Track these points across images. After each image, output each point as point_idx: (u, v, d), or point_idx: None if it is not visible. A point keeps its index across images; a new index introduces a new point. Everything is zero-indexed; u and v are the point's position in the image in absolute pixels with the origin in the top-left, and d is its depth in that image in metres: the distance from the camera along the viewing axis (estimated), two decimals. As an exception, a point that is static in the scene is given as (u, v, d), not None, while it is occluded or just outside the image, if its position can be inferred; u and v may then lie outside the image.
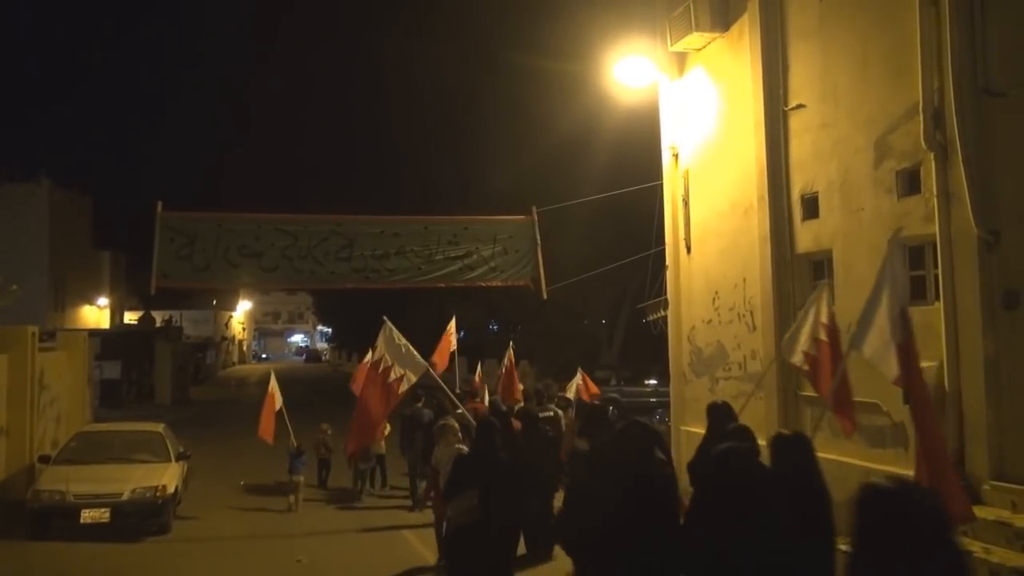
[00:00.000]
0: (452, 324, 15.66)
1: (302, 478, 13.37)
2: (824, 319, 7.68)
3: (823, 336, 7.66)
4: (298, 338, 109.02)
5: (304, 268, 11.52)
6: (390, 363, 9.90)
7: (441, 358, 15.02)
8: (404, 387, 9.96)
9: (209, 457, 16.26)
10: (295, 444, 13.49)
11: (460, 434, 9.08)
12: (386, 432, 13.45)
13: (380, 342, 10.24)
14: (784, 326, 10.85)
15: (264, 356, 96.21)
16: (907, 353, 5.54)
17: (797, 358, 8.18)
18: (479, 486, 5.94)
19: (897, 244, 6.29)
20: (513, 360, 15.16)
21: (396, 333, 10.06)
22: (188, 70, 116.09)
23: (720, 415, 7.13)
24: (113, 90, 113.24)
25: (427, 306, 31.47)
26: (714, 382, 12.55)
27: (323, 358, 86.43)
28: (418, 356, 10.18)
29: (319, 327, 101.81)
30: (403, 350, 10.00)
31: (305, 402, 22.51)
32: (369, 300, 33.57)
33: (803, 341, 7.95)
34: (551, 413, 12.02)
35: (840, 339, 7.59)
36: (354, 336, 52.63)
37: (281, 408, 14.28)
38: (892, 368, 5.93)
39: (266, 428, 14.30)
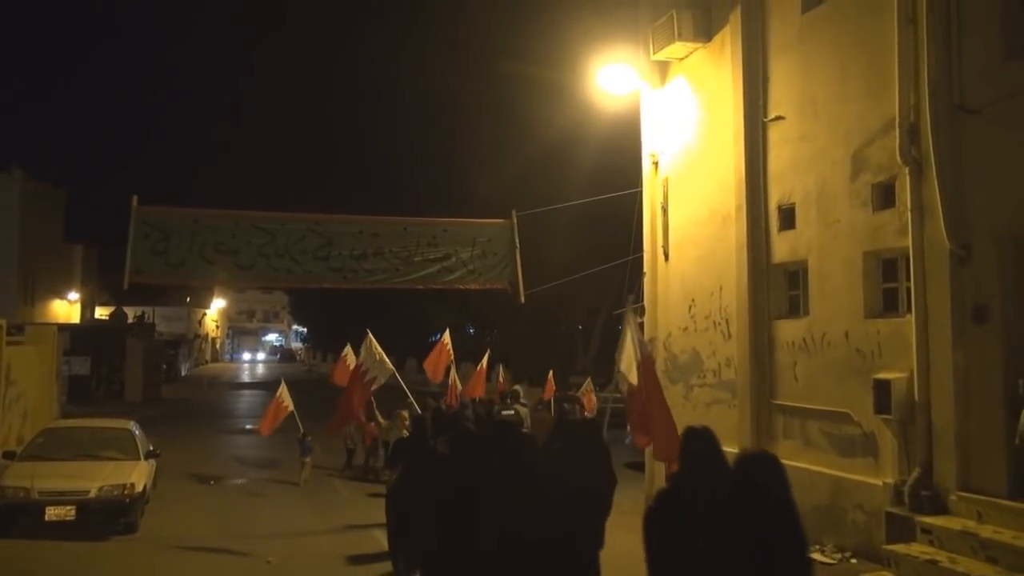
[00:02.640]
0: (447, 336, 16.69)
1: (309, 459, 15.27)
2: (640, 357, 9.14)
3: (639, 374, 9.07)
4: (272, 337, 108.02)
5: (281, 266, 11.42)
6: (367, 367, 12.38)
7: (434, 368, 16.38)
8: (375, 386, 12.43)
9: (179, 456, 16.09)
10: (302, 431, 15.31)
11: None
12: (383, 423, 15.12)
13: (363, 349, 12.51)
14: (759, 335, 10.97)
15: (253, 357, 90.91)
16: (646, 367, 8.95)
17: (624, 385, 9.49)
18: (407, 461, 7.56)
19: (633, 314, 8.79)
20: (485, 364, 16.95)
21: (375, 344, 12.26)
22: (167, 65, 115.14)
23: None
24: (90, 83, 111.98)
25: (404, 308, 31.34)
26: (688, 389, 12.64)
27: (297, 358, 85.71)
28: (388, 363, 12.49)
29: (294, 326, 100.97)
30: (377, 357, 12.38)
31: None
32: (346, 300, 33.39)
33: (626, 367, 9.34)
34: (512, 412, 13.72)
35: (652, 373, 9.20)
36: (329, 336, 52.21)
37: (292, 410, 15.93)
38: (635, 377, 9.02)
39: (267, 424, 16.05)
